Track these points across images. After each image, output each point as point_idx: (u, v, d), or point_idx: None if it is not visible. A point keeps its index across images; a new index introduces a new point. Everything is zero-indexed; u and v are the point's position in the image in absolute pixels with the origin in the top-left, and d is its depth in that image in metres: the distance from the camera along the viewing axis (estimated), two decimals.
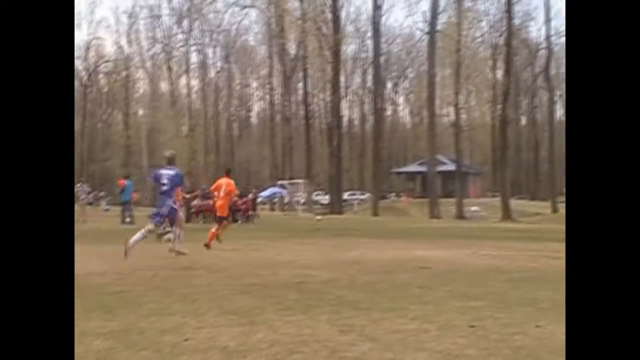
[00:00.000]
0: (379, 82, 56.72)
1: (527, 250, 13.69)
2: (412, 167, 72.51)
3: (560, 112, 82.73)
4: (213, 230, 14.13)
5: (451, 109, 57.68)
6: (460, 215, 45.31)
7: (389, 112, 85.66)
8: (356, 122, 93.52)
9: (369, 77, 74.21)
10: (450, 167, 56.74)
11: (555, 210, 50.13)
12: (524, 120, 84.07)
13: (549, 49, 55.76)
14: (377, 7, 51.39)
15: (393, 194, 72.00)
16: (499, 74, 58.80)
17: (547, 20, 53.10)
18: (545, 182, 69.82)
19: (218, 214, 14.72)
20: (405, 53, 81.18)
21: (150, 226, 10.94)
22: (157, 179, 11.10)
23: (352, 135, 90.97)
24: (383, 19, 61.33)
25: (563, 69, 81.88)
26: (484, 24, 61.03)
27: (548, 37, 54.65)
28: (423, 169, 55.74)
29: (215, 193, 14.85)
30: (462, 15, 46.64)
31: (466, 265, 10.40)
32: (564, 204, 52.01)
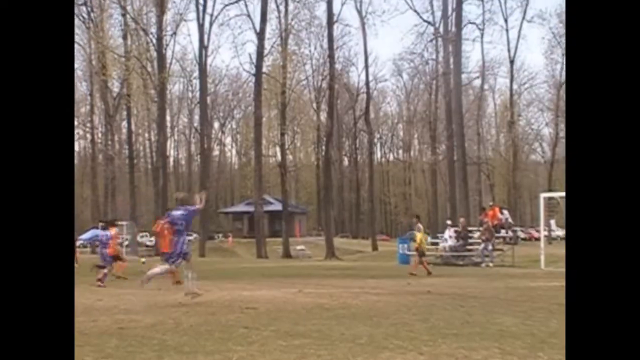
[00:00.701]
0: (205, 122, 56.55)
1: (349, 287, 14.13)
2: (240, 207, 72.71)
3: (379, 153, 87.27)
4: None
5: (277, 150, 58.74)
6: (287, 255, 45.93)
7: (216, 152, 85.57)
8: (183, 162, 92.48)
9: (196, 117, 73.91)
10: (277, 206, 57.55)
11: (375, 248, 52.23)
12: (346, 161, 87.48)
13: (368, 93, 58.66)
14: (203, 47, 51.52)
15: (220, 234, 71.59)
16: (323, 116, 61.04)
17: (366, 66, 55.88)
18: (366, 221, 72.75)
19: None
20: (232, 94, 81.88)
21: (169, 266, 11.28)
22: (171, 221, 11.27)
23: (179, 175, 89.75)
24: (209, 59, 61.54)
25: (381, 113, 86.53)
26: (308, 67, 63.24)
27: (367, 82, 57.50)
28: (250, 209, 56.04)
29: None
30: (287, 58, 47.94)
31: (291, 304, 10.53)
32: (381, 242, 54.17)
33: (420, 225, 20.09)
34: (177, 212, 11.32)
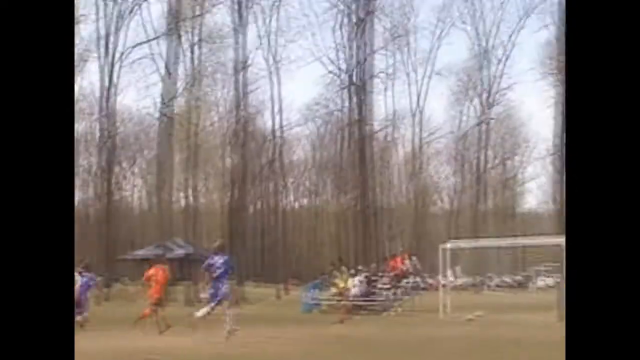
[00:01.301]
0: (110, 163, 55.18)
1: (257, 335, 13.91)
2: (145, 252, 70.82)
3: (288, 199, 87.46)
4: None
5: (183, 194, 57.85)
6: (192, 301, 44.84)
7: (119, 195, 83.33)
8: (85, 204, 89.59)
9: (100, 158, 71.96)
10: (183, 251, 56.31)
11: (279, 297, 51.69)
12: (254, 207, 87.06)
13: (278, 139, 58.94)
14: (109, 87, 50.39)
15: (126, 277, 69.32)
16: (231, 161, 60.73)
17: (274, 113, 56.16)
18: (275, 267, 72.20)
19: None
20: (139, 136, 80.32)
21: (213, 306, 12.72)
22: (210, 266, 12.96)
23: (81, 218, 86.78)
24: (115, 99, 60.21)
25: (292, 158, 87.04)
26: (215, 112, 63.02)
27: (274, 129, 57.76)
28: (156, 252, 54.68)
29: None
30: (195, 102, 47.60)
31: (193, 353, 10.25)
32: (292, 287, 53.66)
33: (337, 272, 20.28)
34: (219, 259, 12.86)
